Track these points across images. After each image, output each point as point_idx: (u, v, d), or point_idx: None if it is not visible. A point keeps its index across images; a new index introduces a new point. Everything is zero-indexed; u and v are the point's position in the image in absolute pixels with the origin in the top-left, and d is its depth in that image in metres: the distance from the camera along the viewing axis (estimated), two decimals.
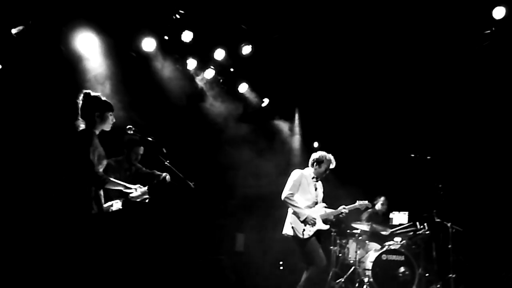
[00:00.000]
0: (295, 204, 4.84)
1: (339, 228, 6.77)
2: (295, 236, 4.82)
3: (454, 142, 7.51)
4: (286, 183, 5.00)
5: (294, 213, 4.86)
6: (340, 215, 5.14)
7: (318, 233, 4.92)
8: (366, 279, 6.10)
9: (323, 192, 5.23)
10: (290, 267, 7.65)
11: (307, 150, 8.40)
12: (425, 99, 7.51)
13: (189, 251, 5.81)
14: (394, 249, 6.21)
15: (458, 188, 7.08)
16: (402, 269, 6.05)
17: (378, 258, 6.06)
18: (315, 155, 5.13)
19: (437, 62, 6.77)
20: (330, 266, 6.67)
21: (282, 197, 4.91)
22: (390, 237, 6.67)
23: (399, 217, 7.18)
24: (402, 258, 6.11)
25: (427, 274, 6.42)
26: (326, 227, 5.00)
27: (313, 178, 5.04)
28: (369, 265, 6.08)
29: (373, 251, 6.35)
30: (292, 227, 4.83)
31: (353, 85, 7.50)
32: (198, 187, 4.49)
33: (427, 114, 7.66)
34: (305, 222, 4.77)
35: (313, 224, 4.79)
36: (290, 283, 6.90)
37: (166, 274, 5.06)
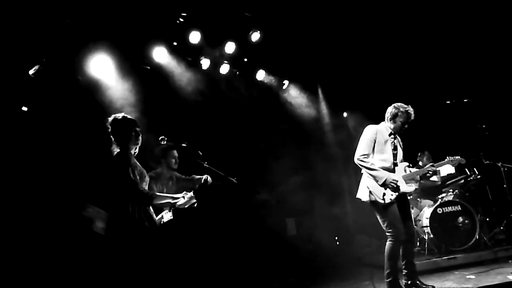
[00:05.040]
0: (371, 166, 4.15)
1: None
2: (374, 202, 4.15)
3: (487, 81, 7.21)
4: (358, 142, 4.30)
5: (371, 176, 4.18)
6: (428, 174, 4.46)
7: (403, 196, 4.31)
8: (426, 236, 5.97)
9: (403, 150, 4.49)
10: (347, 240, 7.65)
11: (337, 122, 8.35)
12: (445, 45, 7.22)
13: (245, 244, 5.86)
14: (448, 201, 6.05)
15: (502, 125, 6.80)
16: (460, 219, 5.88)
17: (434, 212, 5.90)
18: (389, 108, 4.39)
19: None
20: None
21: (355, 160, 4.23)
22: (442, 190, 6.52)
23: (446, 168, 7.02)
24: (458, 207, 5.94)
25: (487, 219, 6.27)
26: (411, 189, 4.30)
27: (390, 134, 4.31)
28: (426, 222, 5.94)
29: (427, 207, 6.20)
30: (370, 192, 4.15)
31: (368, 45, 7.27)
32: (240, 182, 4.48)
33: (450, 59, 7.37)
34: (384, 185, 4.11)
35: (395, 187, 4.13)
36: (350, 256, 6.92)
37: (227, 270, 5.13)
